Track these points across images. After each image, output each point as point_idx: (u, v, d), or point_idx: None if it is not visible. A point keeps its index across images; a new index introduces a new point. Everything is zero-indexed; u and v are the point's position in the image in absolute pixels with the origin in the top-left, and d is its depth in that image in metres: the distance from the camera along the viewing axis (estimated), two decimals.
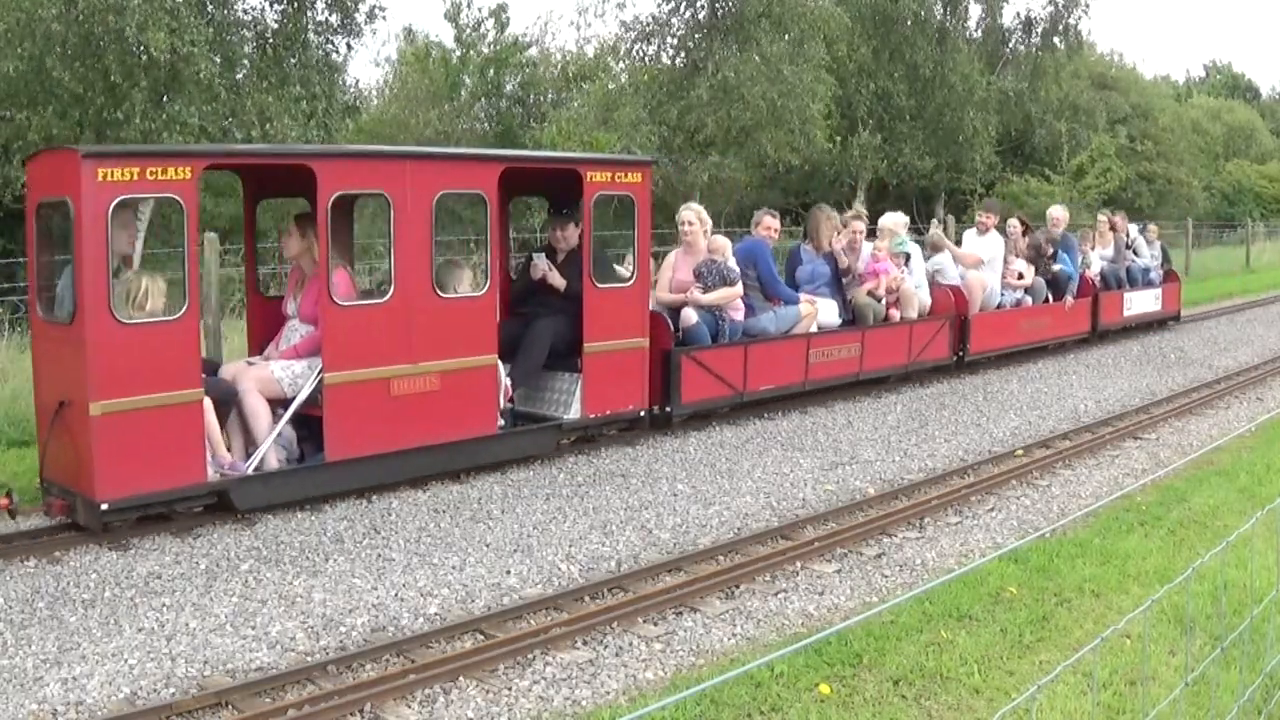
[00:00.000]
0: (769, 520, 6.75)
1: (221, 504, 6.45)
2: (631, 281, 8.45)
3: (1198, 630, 4.92)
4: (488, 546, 6.15)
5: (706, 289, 9.07)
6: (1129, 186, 33.39)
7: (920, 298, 11.17)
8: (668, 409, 8.70)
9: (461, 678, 4.55)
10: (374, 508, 6.82)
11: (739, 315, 9.43)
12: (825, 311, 10.22)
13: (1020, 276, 12.67)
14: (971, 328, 11.78)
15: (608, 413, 8.28)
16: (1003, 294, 12.48)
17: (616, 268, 9.06)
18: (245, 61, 16.88)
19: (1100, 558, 5.92)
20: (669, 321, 8.93)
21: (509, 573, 5.75)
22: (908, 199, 28.55)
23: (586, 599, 5.45)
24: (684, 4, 22.71)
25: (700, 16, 22.58)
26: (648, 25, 23.14)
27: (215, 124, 15.61)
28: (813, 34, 22.49)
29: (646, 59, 23.74)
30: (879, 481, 7.65)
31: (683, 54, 23.04)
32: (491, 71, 28.47)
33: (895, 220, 11.72)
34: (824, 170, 25.24)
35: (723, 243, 9.59)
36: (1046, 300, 13.08)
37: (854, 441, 8.78)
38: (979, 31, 29.61)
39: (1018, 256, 12.80)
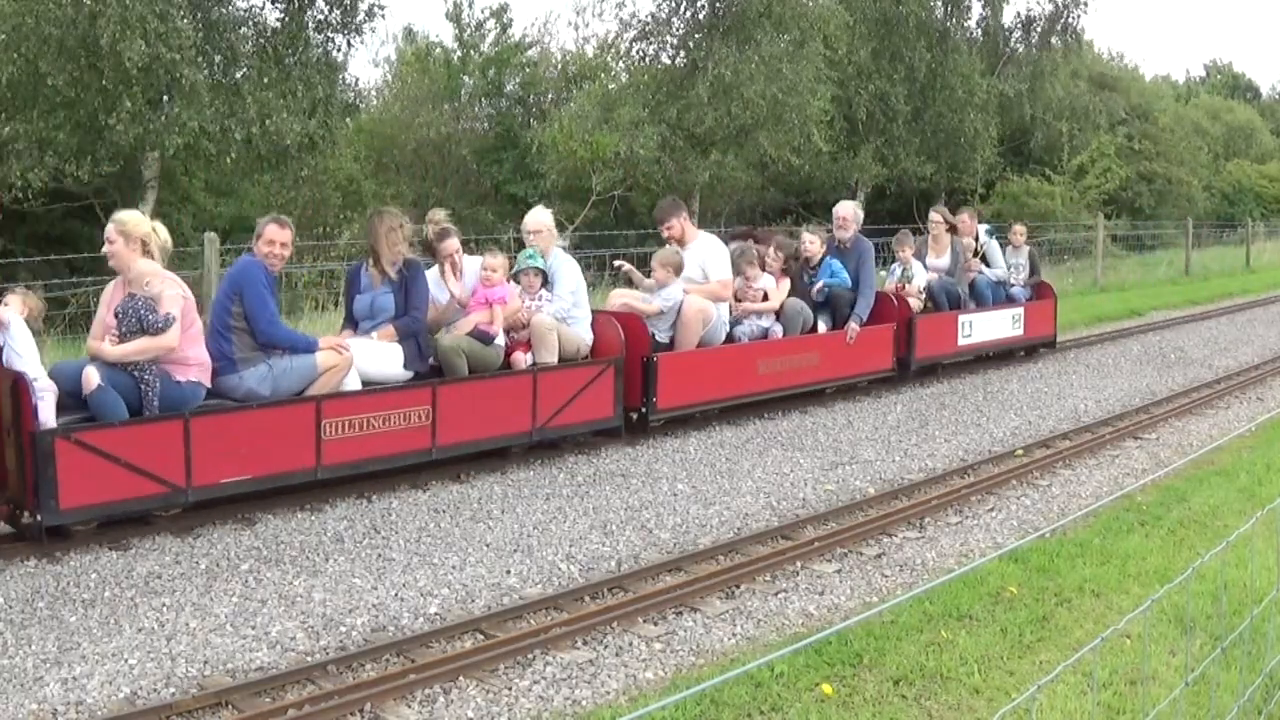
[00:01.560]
0: (769, 520, 6.75)
1: None
2: None
3: (1198, 630, 4.92)
4: (488, 546, 6.15)
5: (122, 337, 6.23)
6: (1129, 186, 33.39)
7: (575, 335, 8.16)
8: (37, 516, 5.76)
9: (461, 678, 4.55)
10: (374, 508, 6.83)
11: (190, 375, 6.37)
12: (378, 359, 7.26)
13: (765, 297, 9.69)
14: (658, 373, 8.42)
15: None
16: (738, 322, 9.58)
17: None
18: (245, 61, 16.86)
19: (1100, 558, 5.92)
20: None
21: (509, 573, 5.75)
22: (907, 199, 28.56)
23: (586, 599, 5.45)
24: (684, 3, 22.70)
25: (700, 16, 22.58)
26: (647, 24, 23.14)
27: (216, 124, 15.59)
28: (813, 33, 22.48)
29: (646, 58, 23.74)
30: (879, 481, 7.65)
31: (682, 53, 23.03)
32: (492, 71, 28.48)
33: (537, 220, 8.49)
34: (823, 173, 25.23)
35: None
36: (814, 329, 9.99)
37: (854, 441, 8.78)
38: (979, 31, 29.60)
39: (765, 271, 9.82)
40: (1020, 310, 12.71)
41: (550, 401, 7.84)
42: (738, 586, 5.64)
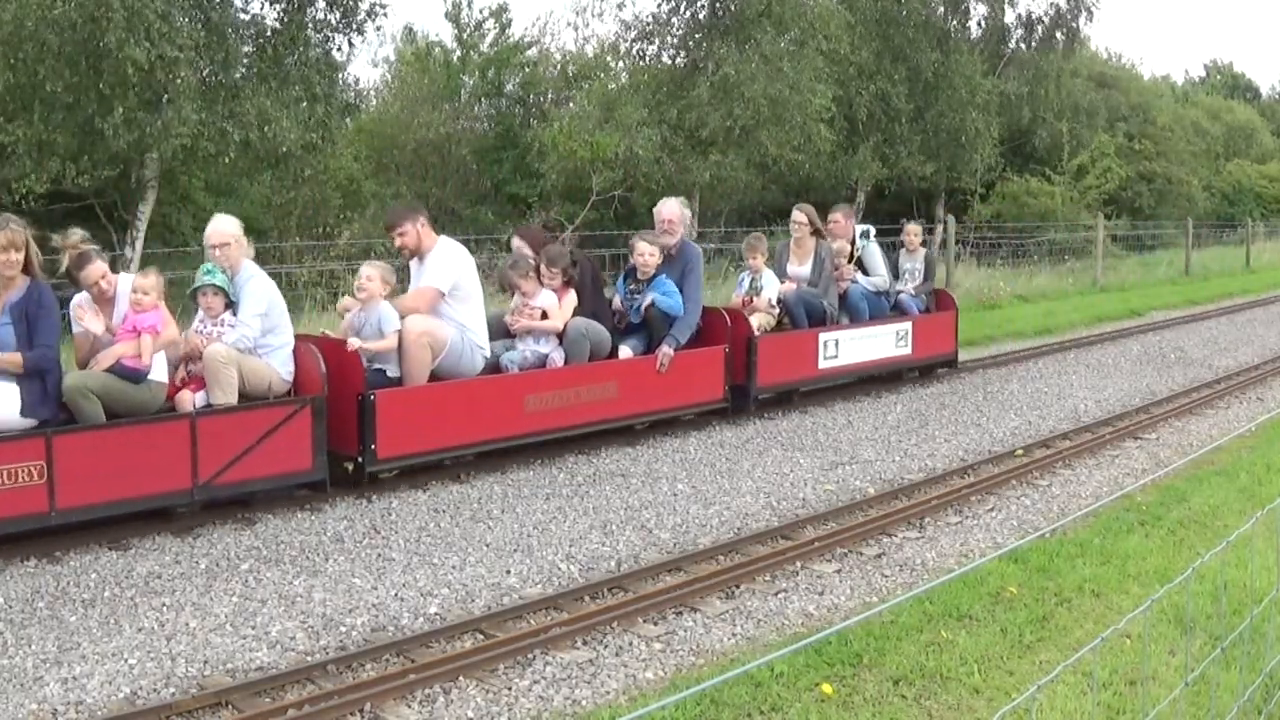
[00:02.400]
0: (769, 520, 6.75)
1: None
2: None
3: (1198, 630, 4.92)
4: (488, 546, 6.15)
5: None
6: (1129, 186, 33.39)
7: (263, 369, 6.77)
8: None
9: (461, 677, 4.56)
10: (374, 508, 6.83)
11: None
12: None
13: (544, 315, 8.04)
14: (377, 413, 6.95)
15: None
16: (510, 348, 8.04)
17: None
18: (244, 62, 16.85)
19: (1100, 558, 5.92)
20: None
21: (509, 572, 5.75)
22: (907, 199, 28.55)
23: (586, 599, 5.45)
24: (684, 3, 22.70)
25: (700, 16, 22.58)
26: (647, 24, 23.14)
27: (214, 126, 15.58)
28: (813, 33, 22.47)
29: (646, 58, 23.73)
30: (879, 481, 7.65)
31: (683, 53, 23.03)
32: (492, 71, 28.48)
33: (220, 230, 7.00)
34: (824, 173, 25.23)
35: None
36: (614, 354, 8.41)
37: (854, 441, 8.78)
38: (980, 31, 29.60)
39: (542, 284, 8.18)
40: (907, 325, 10.89)
41: (219, 452, 6.35)
42: (738, 586, 5.64)
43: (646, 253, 8.82)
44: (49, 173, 14.82)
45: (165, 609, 5.19)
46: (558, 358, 8.06)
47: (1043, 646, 4.87)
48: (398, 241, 7.76)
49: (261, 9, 17.59)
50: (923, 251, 11.69)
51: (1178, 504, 6.94)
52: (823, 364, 10.02)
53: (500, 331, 8.19)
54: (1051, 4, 29.59)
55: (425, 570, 5.76)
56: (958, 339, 11.74)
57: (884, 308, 10.83)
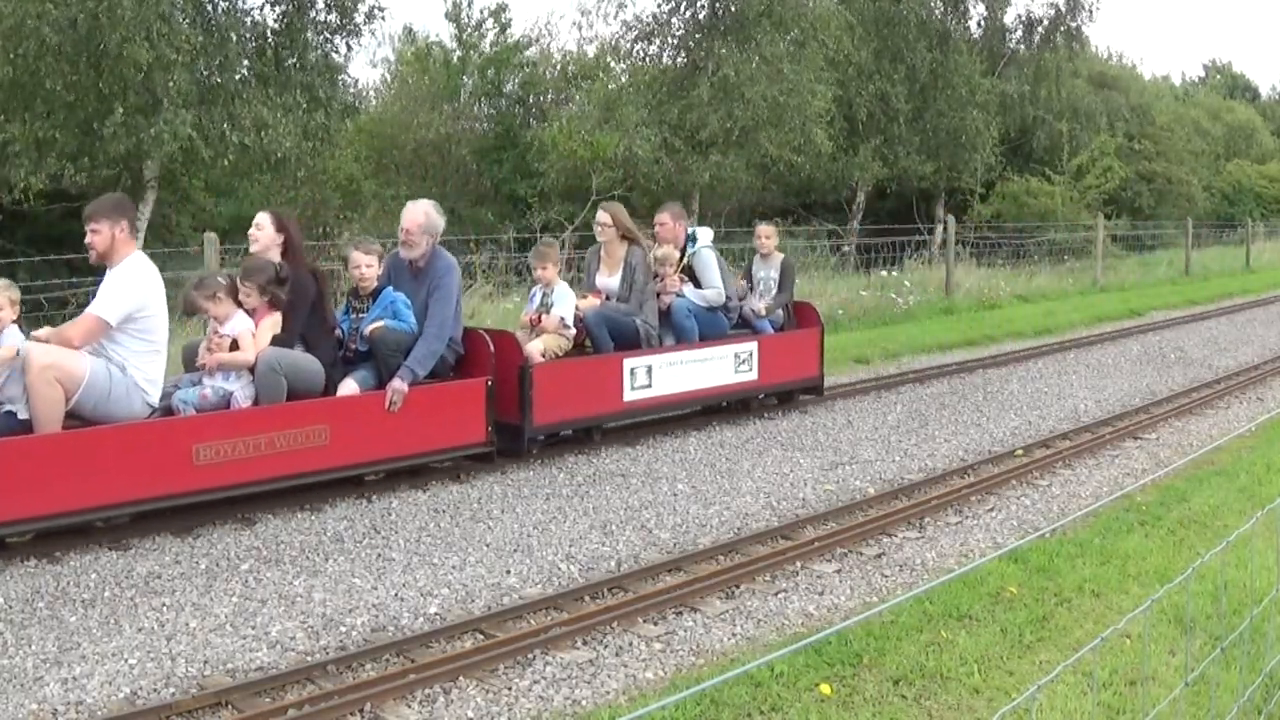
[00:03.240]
0: (769, 520, 6.75)
1: None
2: None
3: (1198, 630, 4.92)
4: (488, 546, 6.15)
5: None
6: (1129, 186, 33.40)
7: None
8: None
9: (461, 678, 4.55)
10: (374, 508, 6.83)
11: None
12: None
13: (234, 345, 6.63)
14: None
15: None
16: (192, 383, 6.63)
17: None
18: (245, 64, 16.86)
19: (1100, 558, 5.92)
20: None
21: (509, 572, 5.75)
22: (907, 199, 28.55)
23: (586, 599, 5.45)
24: (684, 4, 22.72)
25: (700, 16, 22.59)
26: (648, 25, 23.15)
27: (212, 129, 15.60)
28: (813, 33, 22.49)
29: (647, 58, 23.75)
30: (879, 481, 7.65)
31: (683, 54, 23.04)
32: (492, 71, 28.49)
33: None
34: (824, 173, 25.26)
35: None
36: (328, 390, 6.89)
37: (854, 441, 8.78)
38: (980, 31, 29.61)
39: (241, 307, 6.79)
40: (750, 346, 9.23)
41: None
42: (738, 586, 5.64)
43: (363, 264, 7.33)
44: (47, 169, 14.83)
45: (165, 609, 5.19)
46: (244, 396, 6.55)
47: (1043, 646, 4.87)
48: (88, 238, 6.45)
49: (261, 11, 17.62)
50: (779, 257, 9.99)
51: (1178, 504, 6.94)
52: (631, 395, 8.34)
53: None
54: (1051, 4, 29.63)
55: (425, 570, 5.76)
56: (823, 360, 9.97)
57: (720, 325, 9.13)
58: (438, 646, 4.88)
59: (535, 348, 7.87)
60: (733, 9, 22.03)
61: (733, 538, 6.36)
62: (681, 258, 9.06)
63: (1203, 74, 64.41)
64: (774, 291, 9.82)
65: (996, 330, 15.58)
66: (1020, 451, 8.47)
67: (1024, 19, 30.31)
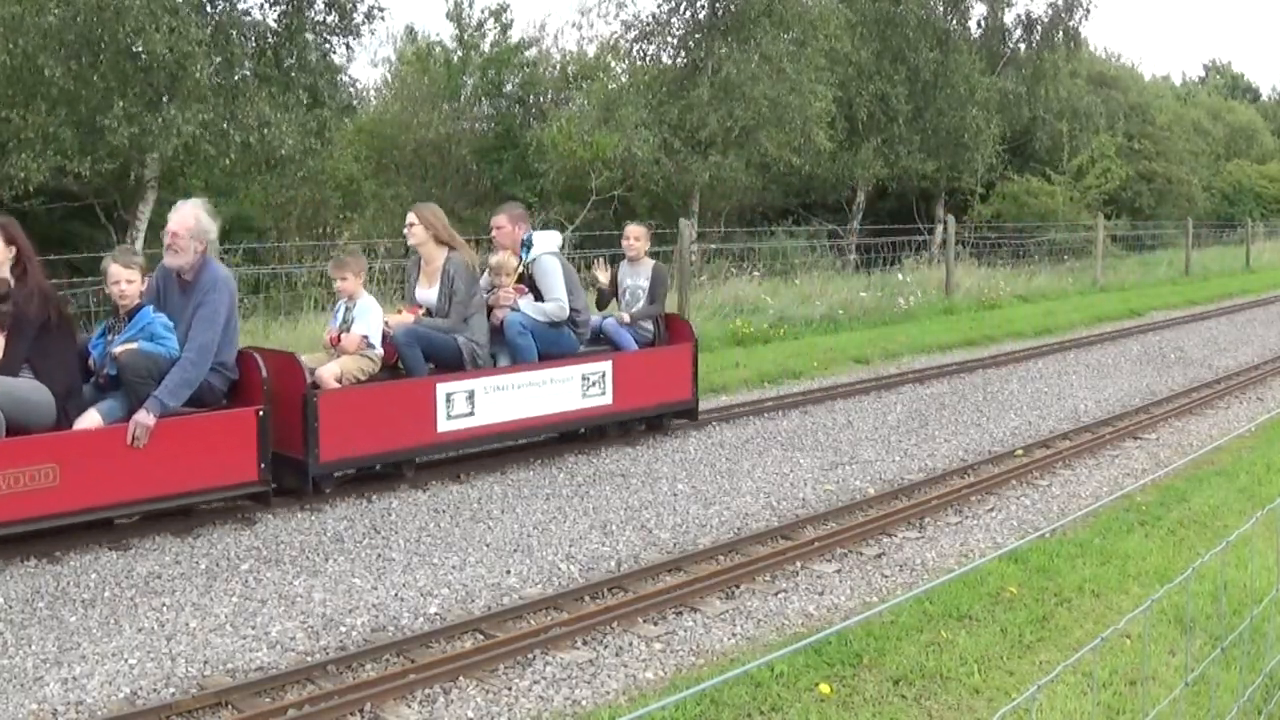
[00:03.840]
0: (769, 520, 6.75)
1: None
2: None
3: (1198, 630, 4.93)
4: (488, 546, 6.15)
5: None
6: (1129, 186, 33.40)
7: None
8: None
9: (461, 678, 4.56)
10: (374, 508, 6.83)
11: None
12: None
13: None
14: None
15: None
16: None
17: None
18: (246, 63, 16.87)
19: (1100, 558, 5.92)
20: None
21: (509, 573, 5.75)
22: (907, 199, 28.55)
23: (586, 599, 5.45)
24: (684, 4, 22.72)
25: (700, 16, 22.59)
26: (648, 25, 23.15)
27: (214, 127, 15.60)
28: (814, 33, 22.49)
29: (647, 58, 23.75)
30: (879, 481, 7.65)
31: (683, 53, 23.04)
32: (492, 71, 28.49)
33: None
34: (824, 172, 25.26)
35: None
36: (65, 424, 5.99)
37: (854, 441, 8.78)
38: (979, 31, 29.62)
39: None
40: (603, 367, 8.12)
41: None
42: (738, 586, 5.64)
43: (122, 279, 6.33)
44: (51, 163, 14.84)
45: (165, 609, 5.19)
46: None
47: (1043, 646, 4.87)
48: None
49: (262, 11, 17.63)
50: (649, 263, 8.86)
51: (1178, 504, 6.94)
52: (447, 425, 7.30)
53: None
54: (1050, 4, 29.63)
55: (425, 570, 5.76)
56: (696, 380, 8.83)
57: (566, 343, 8.07)
58: (438, 646, 4.88)
59: (330, 371, 6.88)
60: (733, 9, 22.03)
61: (733, 538, 6.35)
62: (519, 266, 8.10)
63: (1203, 74, 64.44)
64: (642, 301, 8.77)
65: (996, 330, 15.58)
66: (1020, 451, 8.47)
67: (1023, 19, 30.32)
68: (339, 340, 7.18)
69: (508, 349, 7.85)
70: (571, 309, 8.06)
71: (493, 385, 7.56)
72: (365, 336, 7.13)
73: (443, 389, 7.31)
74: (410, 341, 7.29)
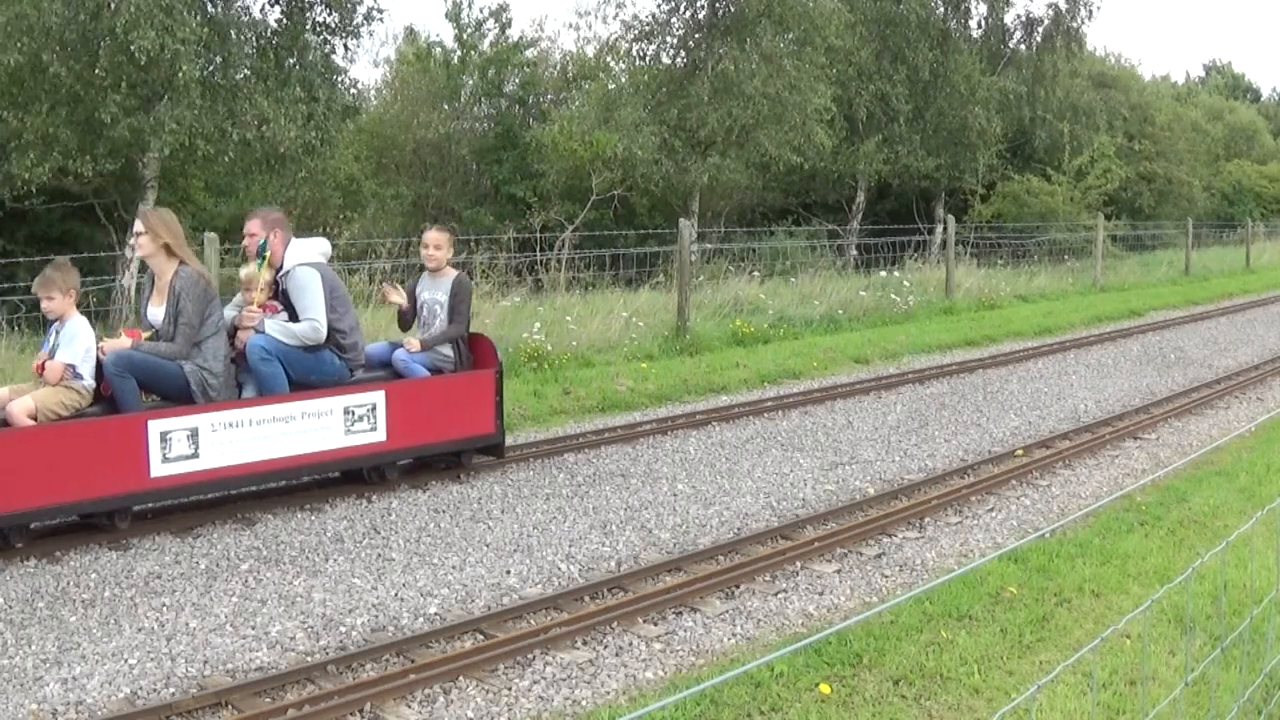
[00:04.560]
0: (769, 520, 6.75)
1: None
2: None
3: (1198, 630, 4.93)
4: (488, 546, 6.15)
5: None
6: (1129, 186, 33.39)
7: None
8: None
9: (461, 678, 4.56)
10: (374, 508, 6.83)
11: None
12: None
13: None
14: None
15: None
16: None
17: None
18: (246, 63, 16.87)
19: (1100, 558, 5.92)
20: None
21: (509, 573, 5.75)
22: (907, 199, 28.54)
23: (586, 599, 5.45)
24: (683, 4, 22.71)
25: (700, 16, 22.59)
26: (647, 25, 23.15)
27: (212, 124, 15.60)
28: (814, 32, 22.48)
29: (646, 58, 23.74)
30: (879, 481, 7.65)
31: (682, 53, 23.04)
32: (492, 71, 28.49)
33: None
34: (825, 172, 25.25)
35: None
36: None
37: (854, 441, 8.78)
38: (980, 31, 29.62)
39: None
40: (374, 398, 6.90)
41: None
42: (738, 586, 5.64)
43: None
44: (53, 164, 14.85)
45: (165, 609, 5.19)
46: None
47: (1043, 646, 4.87)
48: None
49: (262, 11, 17.64)
50: (451, 275, 7.60)
51: (1178, 504, 6.94)
52: (164, 469, 6.14)
53: None
54: (1050, 4, 29.64)
55: (425, 570, 5.76)
56: (501, 411, 7.55)
57: (329, 369, 6.88)
58: (438, 646, 4.88)
59: (22, 406, 5.84)
60: (732, 9, 22.02)
61: (733, 538, 6.35)
62: (275, 279, 6.95)
63: (1203, 74, 64.43)
64: (440, 320, 7.54)
65: (996, 330, 15.58)
66: (1020, 452, 8.47)
67: (1023, 19, 30.33)
68: (43, 369, 6.12)
69: (252, 378, 6.72)
70: (334, 329, 6.84)
71: (222, 421, 6.32)
72: (70, 365, 6.08)
73: (156, 426, 6.10)
74: (122, 370, 6.13)
